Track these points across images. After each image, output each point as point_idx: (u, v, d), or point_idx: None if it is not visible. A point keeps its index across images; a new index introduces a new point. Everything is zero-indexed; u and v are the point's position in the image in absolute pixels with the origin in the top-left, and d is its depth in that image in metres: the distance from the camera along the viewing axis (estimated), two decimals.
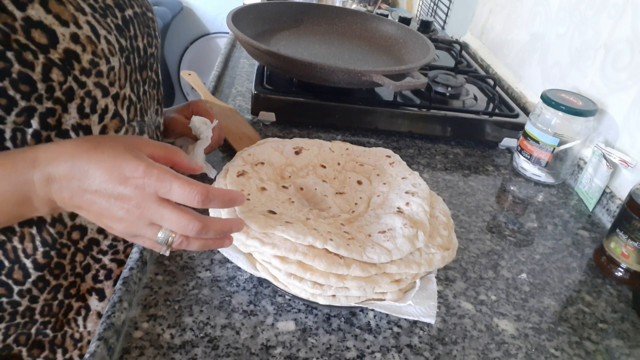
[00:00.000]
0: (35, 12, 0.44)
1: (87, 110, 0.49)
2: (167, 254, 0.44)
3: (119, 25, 0.52)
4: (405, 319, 0.52)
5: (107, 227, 0.44)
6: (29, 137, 0.46)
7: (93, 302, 0.58)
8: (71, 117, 0.48)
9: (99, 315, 0.58)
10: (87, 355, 0.42)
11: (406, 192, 0.58)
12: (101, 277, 0.58)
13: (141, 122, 0.57)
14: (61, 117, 0.48)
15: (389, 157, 0.65)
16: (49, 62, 0.44)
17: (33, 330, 0.54)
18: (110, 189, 0.41)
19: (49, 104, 0.46)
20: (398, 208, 0.55)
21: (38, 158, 0.42)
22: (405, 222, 0.52)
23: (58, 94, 0.46)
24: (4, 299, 0.52)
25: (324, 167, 0.63)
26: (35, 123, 0.46)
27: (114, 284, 0.59)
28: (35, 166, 0.42)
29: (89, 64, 0.48)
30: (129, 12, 0.55)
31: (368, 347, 0.48)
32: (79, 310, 0.57)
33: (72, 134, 0.49)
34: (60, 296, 0.55)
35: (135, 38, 0.55)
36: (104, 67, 0.49)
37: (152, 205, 0.41)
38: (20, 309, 0.53)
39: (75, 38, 0.46)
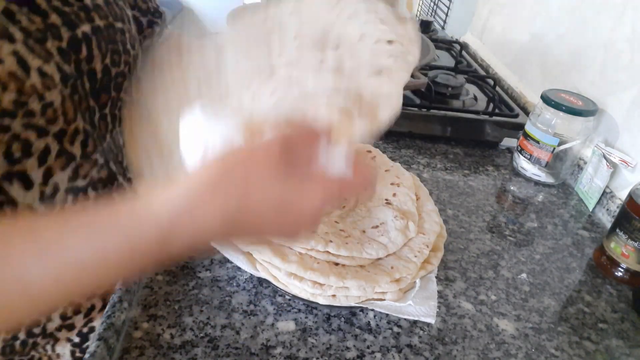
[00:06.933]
0: None
1: (17, 154, 0.42)
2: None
3: (63, 48, 0.44)
4: (405, 319, 0.52)
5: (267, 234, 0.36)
6: None
7: (63, 333, 0.55)
8: None
9: (68, 339, 0.56)
10: (87, 355, 0.42)
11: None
12: (69, 314, 0.55)
13: (106, 150, 0.52)
14: None
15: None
16: None
17: None
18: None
19: None
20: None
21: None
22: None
23: None
24: None
25: None
26: None
27: (84, 316, 0.56)
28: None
29: (12, 105, 0.40)
30: (84, 28, 0.46)
31: (368, 347, 0.48)
32: (46, 343, 0.55)
33: (5, 184, 0.43)
34: (21, 336, 0.52)
35: (90, 60, 0.47)
36: (35, 105, 0.42)
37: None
38: None
39: None
